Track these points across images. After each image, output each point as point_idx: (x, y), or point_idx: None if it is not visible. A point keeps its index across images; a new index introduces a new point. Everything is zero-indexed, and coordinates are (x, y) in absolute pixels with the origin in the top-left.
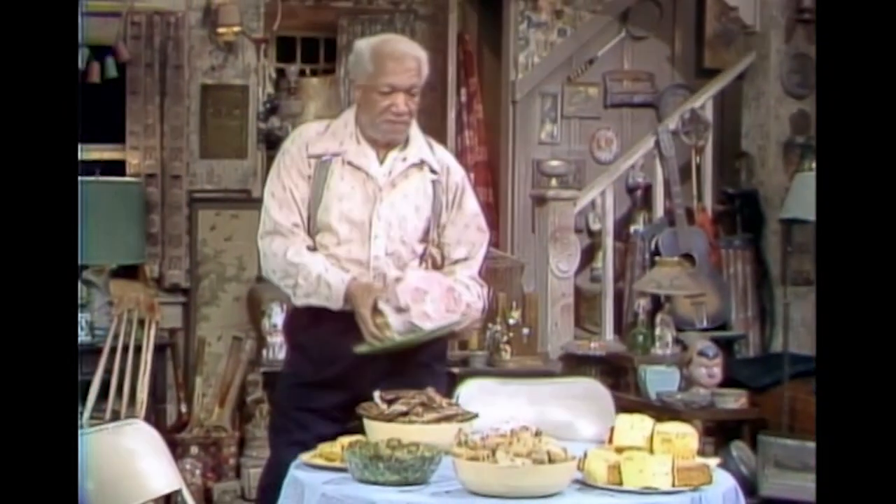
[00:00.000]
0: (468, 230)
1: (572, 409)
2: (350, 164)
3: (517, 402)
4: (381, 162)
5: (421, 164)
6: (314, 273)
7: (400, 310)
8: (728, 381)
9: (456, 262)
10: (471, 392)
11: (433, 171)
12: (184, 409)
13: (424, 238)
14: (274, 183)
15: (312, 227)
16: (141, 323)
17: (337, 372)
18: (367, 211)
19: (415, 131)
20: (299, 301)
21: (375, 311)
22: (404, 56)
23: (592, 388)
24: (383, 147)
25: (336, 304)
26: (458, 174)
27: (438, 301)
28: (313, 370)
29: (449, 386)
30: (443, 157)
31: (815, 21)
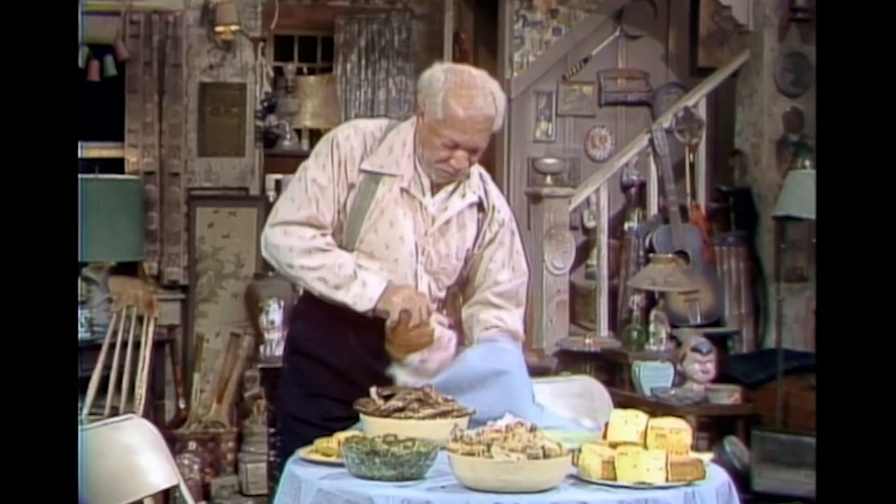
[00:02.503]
0: (507, 270)
1: (573, 408)
2: (406, 191)
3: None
4: (435, 194)
5: (475, 203)
6: (348, 266)
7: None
8: (722, 377)
9: (495, 296)
10: None
11: (481, 209)
12: (182, 404)
13: (458, 274)
14: (318, 172)
15: (347, 239)
16: (140, 319)
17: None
18: (413, 244)
19: (472, 168)
20: (325, 291)
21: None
22: (478, 114)
23: (591, 387)
24: (436, 181)
25: (368, 302)
26: (503, 212)
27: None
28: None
29: None
30: (491, 190)
31: (808, 20)
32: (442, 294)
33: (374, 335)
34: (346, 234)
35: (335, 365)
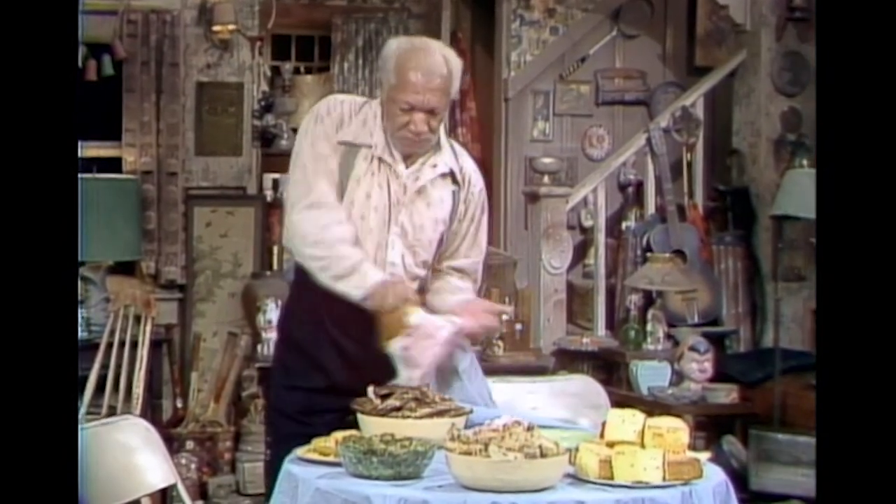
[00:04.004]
0: (475, 247)
1: (570, 407)
2: (381, 160)
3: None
4: (407, 165)
5: (448, 173)
6: (352, 258)
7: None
8: (719, 376)
9: (456, 270)
10: None
11: (455, 182)
12: (179, 404)
13: (435, 249)
14: (308, 152)
15: None
16: (137, 319)
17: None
18: (387, 214)
19: (443, 137)
20: (326, 281)
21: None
22: (430, 74)
23: (588, 386)
24: (405, 152)
25: (362, 291)
26: (478, 185)
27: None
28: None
29: None
30: (466, 165)
31: (805, 19)
32: (422, 272)
33: (354, 325)
34: None
35: (312, 353)
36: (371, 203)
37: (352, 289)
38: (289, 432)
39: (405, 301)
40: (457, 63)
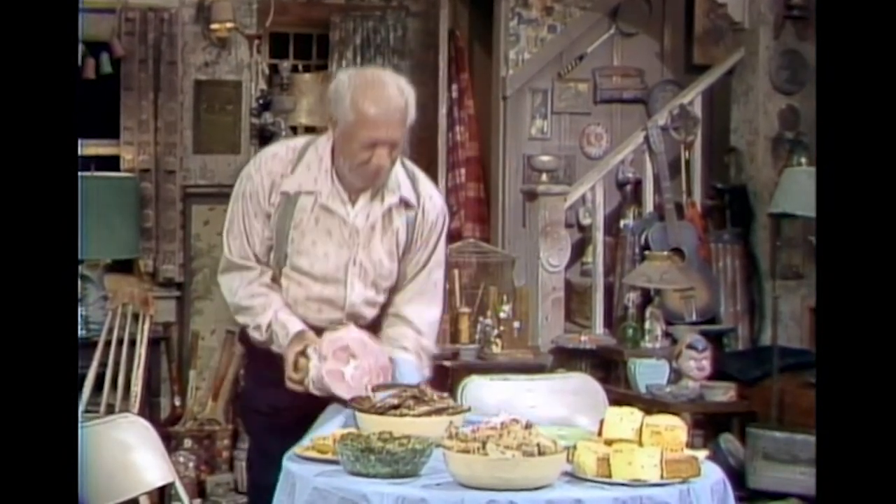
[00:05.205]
0: (426, 294)
1: (568, 406)
2: (325, 207)
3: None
4: (355, 203)
5: (398, 203)
6: (264, 323)
7: (321, 357)
8: (717, 375)
9: (401, 319)
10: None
11: (409, 207)
12: (177, 402)
13: (395, 276)
14: (232, 213)
15: (280, 262)
16: (135, 317)
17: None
18: (342, 257)
19: (396, 166)
20: (258, 343)
21: (302, 354)
22: (389, 107)
23: (586, 384)
24: (358, 189)
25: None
26: (433, 212)
27: (364, 372)
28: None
29: (443, 379)
30: (424, 191)
31: (803, 17)
32: (381, 298)
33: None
34: (274, 259)
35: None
36: (319, 251)
37: (278, 349)
38: (258, 424)
39: (305, 344)
40: (411, 92)
